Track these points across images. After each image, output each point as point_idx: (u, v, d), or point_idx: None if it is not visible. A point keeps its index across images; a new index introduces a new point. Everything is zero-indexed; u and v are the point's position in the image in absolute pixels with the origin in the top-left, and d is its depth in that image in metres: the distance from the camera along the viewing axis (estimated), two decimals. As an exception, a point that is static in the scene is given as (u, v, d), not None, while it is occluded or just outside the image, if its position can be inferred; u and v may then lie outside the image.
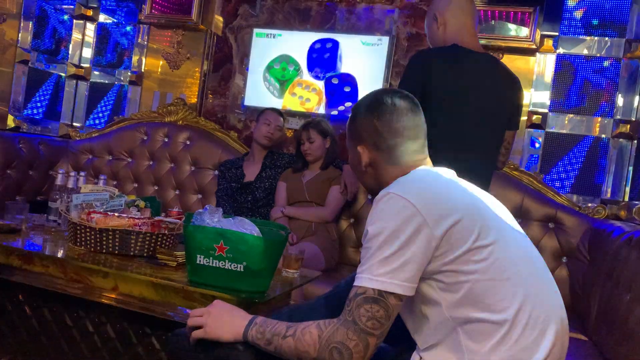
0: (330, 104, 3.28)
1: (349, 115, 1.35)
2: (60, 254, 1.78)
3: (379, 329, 1.07)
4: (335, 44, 3.27)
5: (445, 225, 1.08)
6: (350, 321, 1.08)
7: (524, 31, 2.94)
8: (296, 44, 3.36)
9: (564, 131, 2.92)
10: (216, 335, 1.20)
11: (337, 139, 3.01)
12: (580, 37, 2.91)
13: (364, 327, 1.07)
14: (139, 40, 3.77)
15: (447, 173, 1.26)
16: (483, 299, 1.08)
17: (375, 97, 1.31)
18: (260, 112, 3.14)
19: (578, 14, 2.91)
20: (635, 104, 2.78)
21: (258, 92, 3.44)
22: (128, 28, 3.82)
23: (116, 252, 1.78)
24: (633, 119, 2.78)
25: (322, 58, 3.30)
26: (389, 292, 1.07)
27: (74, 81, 3.86)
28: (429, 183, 1.18)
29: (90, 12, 3.85)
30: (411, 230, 1.07)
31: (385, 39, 3.19)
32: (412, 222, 1.08)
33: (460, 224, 1.09)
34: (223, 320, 1.21)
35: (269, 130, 3.03)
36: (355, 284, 1.10)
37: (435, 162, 1.33)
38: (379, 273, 1.08)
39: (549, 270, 1.22)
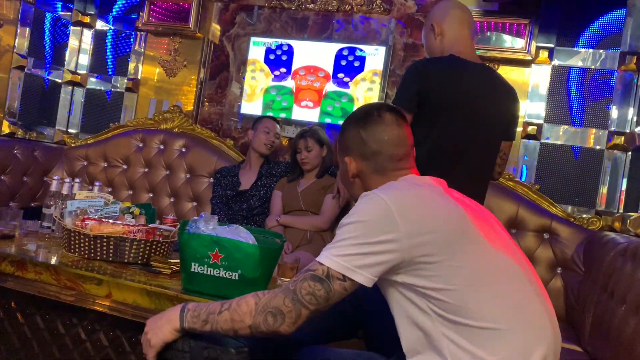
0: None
1: (340, 129, 1.41)
2: (53, 261, 1.76)
3: (315, 305, 1.12)
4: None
5: (418, 241, 1.10)
6: (291, 290, 1.13)
7: (520, 43, 2.96)
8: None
9: (559, 142, 2.94)
10: (159, 338, 1.22)
11: (332, 148, 3.02)
12: (575, 49, 2.93)
13: (300, 298, 1.12)
14: (136, 47, 3.78)
15: (436, 183, 1.27)
16: (465, 306, 1.10)
17: (363, 110, 1.38)
18: (256, 120, 3.14)
19: (573, 26, 2.93)
20: (630, 115, 2.80)
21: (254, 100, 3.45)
22: (125, 35, 3.82)
23: (110, 259, 1.77)
24: (627, 131, 2.79)
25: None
26: (337, 276, 1.11)
27: (70, 87, 3.86)
28: (414, 194, 1.20)
29: (87, 19, 3.85)
30: (383, 235, 1.11)
31: (382, 49, 3.20)
32: (387, 227, 1.11)
33: (434, 240, 1.11)
34: (158, 323, 1.24)
35: (269, 138, 3.03)
36: (315, 259, 1.16)
37: (431, 171, 1.34)
38: (337, 254, 1.12)
39: (539, 281, 1.23)
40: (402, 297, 1.16)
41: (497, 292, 1.11)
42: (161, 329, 1.22)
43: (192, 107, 3.61)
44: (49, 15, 3.62)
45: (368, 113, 1.34)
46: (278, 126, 3.10)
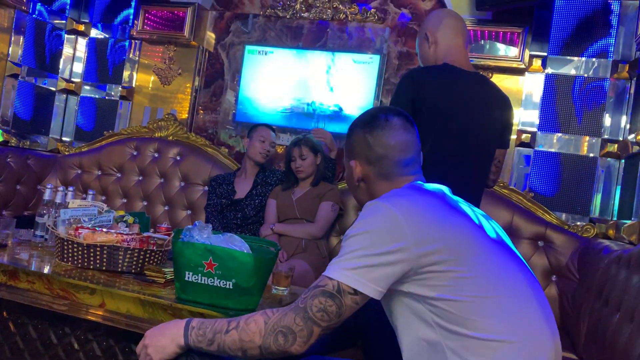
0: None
1: (347, 133, 1.38)
2: (46, 270, 1.75)
3: (327, 322, 1.09)
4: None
5: (426, 250, 1.09)
6: (301, 308, 1.09)
7: (513, 51, 2.98)
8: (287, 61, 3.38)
9: (553, 150, 2.95)
10: (161, 357, 1.18)
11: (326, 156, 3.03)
12: (568, 57, 2.95)
13: (312, 316, 1.08)
14: (131, 55, 3.78)
15: (440, 190, 1.26)
16: (470, 317, 1.08)
17: (370, 114, 1.35)
18: (252, 129, 3.13)
19: (566, 35, 2.96)
20: (623, 123, 2.82)
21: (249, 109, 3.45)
22: (119, 43, 3.82)
23: (104, 268, 1.76)
24: (620, 139, 2.81)
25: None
26: (348, 291, 1.08)
27: (65, 95, 3.85)
28: (420, 201, 1.18)
29: (82, 27, 3.85)
30: (392, 245, 1.08)
31: (377, 57, 3.22)
32: (395, 235, 1.08)
33: (442, 250, 1.09)
34: (161, 341, 1.19)
35: (264, 147, 3.02)
36: (323, 274, 1.12)
37: (426, 179, 1.34)
38: (346, 267, 1.09)
39: (542, 291, 1.22)
40: (405, 307, 1.14)
41: (502, 303, 1.10)
42: (164, 348, 1.18)
43: (186, 115, 3.61)
44: (43, 24, 3.61)
45: (375, 117, 1.31)
46: (274, 134, 3.09)
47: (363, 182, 1.32)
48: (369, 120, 1.32)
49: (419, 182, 1.29)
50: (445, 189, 1.29)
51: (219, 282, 1.48)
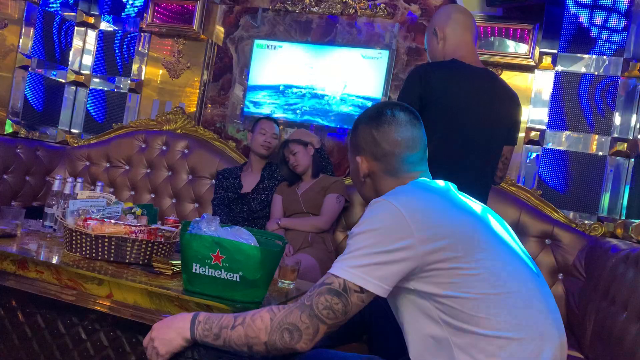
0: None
1: (352, 128, 1.38)
2: (54, 260, 1.76)
3: (333, 320, 1.09)
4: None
5: (432, 247, 1.08)
6: (307, 306, 1.10)
7: (523, 48, 2.96)
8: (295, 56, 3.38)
9: (562, 148, 2.93)
10: (168, 350, 1.19)
11: (322, 145, 3.06)
12: (579, 55, 2.93)
13: (318, 314, 1.09)
14: (140, 48, 3.78)
15: (445, 187, 1.26)
16: (476, 314, 1.08)
17: (377, 109, 1.33)
18: (255, 122, 3.14)
19: (577, 32, 2.93)
20: (633, 122, 2.80)
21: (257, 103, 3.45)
22: (129, 36, 3.83)
23: (111, 259, 1.77)
24: (630, 138, 2.79)
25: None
26: (354, 289, 1.08)
27: (74, 87, 3.86)
28: (425, 198, 1.18)
29: (91, 20, 3.86)
30: (398, 243, 1.08)
31: (385, 53, 3.21)
32: (400, 233, 1.08)
33: (448, 247, 1.09)
34: (168, 334, 1.20)
35: (266, 139, 3.03)
36: (329, 271, 1.12)
37: (433, 175, 1.33)
38: (353, 265, 1.09)
39: (548, 287, 1.22)
40: (411, 305, 1.14)
41: (508, 300, 1.09)
42: (171, 341, 1.19)
43: (195, 109, 3.61)
44: (53, 15, 3.63)
45: (381, 112, 1.30)
46: (276, 127, 3.10)
47: (369, 178, 1.32)
48: (375, 116, 1.31)
49: (425, 178, 1.28)
50: (451, 185, 1.29)
51: (226, 275, 1.48)
